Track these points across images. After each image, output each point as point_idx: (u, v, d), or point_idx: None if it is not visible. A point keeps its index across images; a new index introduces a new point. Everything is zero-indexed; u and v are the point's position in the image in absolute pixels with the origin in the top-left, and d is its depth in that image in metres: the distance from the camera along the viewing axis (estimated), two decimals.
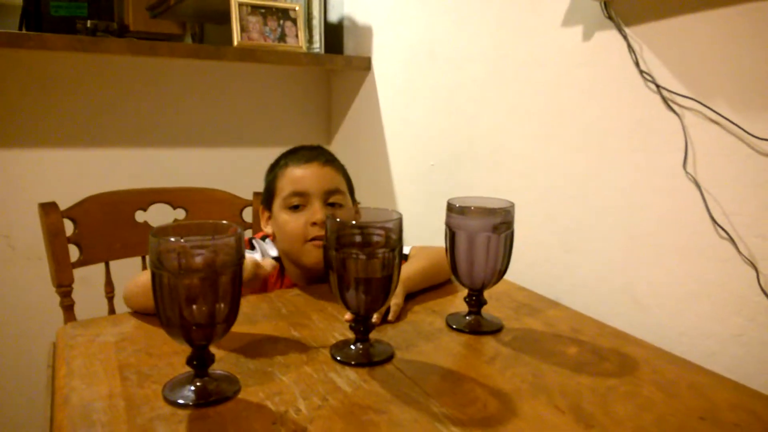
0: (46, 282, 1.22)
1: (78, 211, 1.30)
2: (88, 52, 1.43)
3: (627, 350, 0.85)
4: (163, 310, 0.65)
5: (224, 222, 0.70)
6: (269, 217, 1.14)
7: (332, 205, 1.08)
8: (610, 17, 0.99)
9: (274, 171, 1.14)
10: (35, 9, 2.96)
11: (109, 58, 1.60)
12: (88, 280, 1.31)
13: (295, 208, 1.07)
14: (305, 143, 1.93)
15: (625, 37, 0.97)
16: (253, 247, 1.15)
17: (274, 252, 1.16)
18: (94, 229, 1.31)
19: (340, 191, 1.10)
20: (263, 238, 1.18)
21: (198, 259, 0.64)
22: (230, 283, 0.66)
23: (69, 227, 1.27)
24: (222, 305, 0.66)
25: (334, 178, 1.10)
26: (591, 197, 1.08)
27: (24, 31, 1.35)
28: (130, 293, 0.94)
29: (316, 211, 1.05)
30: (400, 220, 0.77)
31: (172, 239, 0.67)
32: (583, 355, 0.83)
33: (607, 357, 0.83)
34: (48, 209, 1.29)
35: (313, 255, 1.06)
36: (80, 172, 1.64)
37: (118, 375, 0.73)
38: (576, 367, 0.79)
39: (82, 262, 1.28)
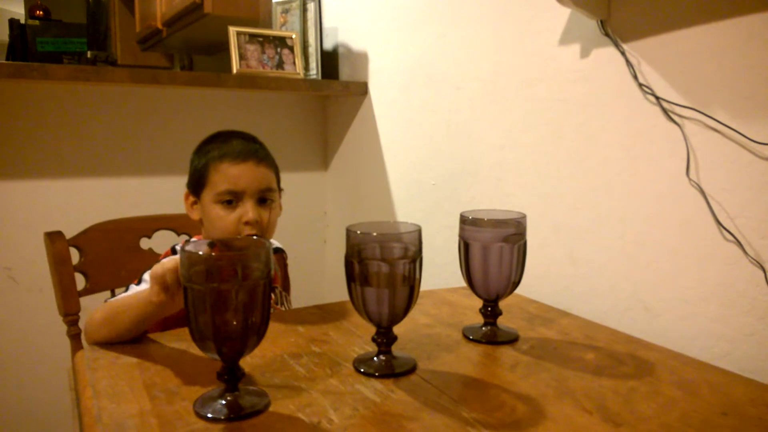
0: (48, 312, 1.21)
1: (83, 240, 1.30)
2: (91, 81, 1.44)
3: (642, 354, 0.87)
4: (195, 324, 0.66)
5: (253, 236, 0.71)
6: (194, 202, 1.14)
7: (264, 201, 1.10)
8: (607, 34, 1.03)
9: (206, 157, 1.11)
10: (22, 45, 2.98)
11: (109, 87, 1.61)
12: (94, 308, 1.30)
13: (227, 203, 1.08)
14: (303, 168, 1.95)
15: (622, 53, 1.01)
16: (174, 252, 1.15)
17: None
18: (99, 257, 1.31)
19: (272, 189, 1.12)
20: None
21: (228, 272, 0.65)
22: (261, 294, 0.67)
23: (74, 256, 1.27)
24: (254, 318, 0.66)
25: (267, 176, 1.11)
26: (596, 208, 1.10)
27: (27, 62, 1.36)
28: (92, 328, 0.93)
29: (248, 210, 1.06)
30: (419, 232, 0.78)
31: (202, 253, 0.68)
32: (601, 360, 0.85)
33: (624, 361, 0.84)
34: (54, 238, 1.29)
35: None
36: (81, 202, 1.64)
37: (145, 393, 0.73)
38: (596, 371, 0.80)
39: (88, 291, 1.28)
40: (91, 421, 0.67)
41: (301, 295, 1.60)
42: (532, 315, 1.05)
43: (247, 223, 1.06)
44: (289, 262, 1.83)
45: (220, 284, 0.64)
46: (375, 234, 0.78)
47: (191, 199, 1.15)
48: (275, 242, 1.22)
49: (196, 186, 1.13)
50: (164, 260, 0.83)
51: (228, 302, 0.65)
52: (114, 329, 0.91)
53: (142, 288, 1.03)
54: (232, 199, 1.07)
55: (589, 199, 1.11)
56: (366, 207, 1.86)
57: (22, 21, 3.06)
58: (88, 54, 1.56)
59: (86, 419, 0.68)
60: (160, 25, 2.46)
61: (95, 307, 0.99)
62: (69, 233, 1.27)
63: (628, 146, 1.03)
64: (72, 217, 1.56)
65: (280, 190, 1.18)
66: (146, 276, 1.09)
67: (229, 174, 1.08)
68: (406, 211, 1.67)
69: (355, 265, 0.76)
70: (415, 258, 0.77)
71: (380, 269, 0.76)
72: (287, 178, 2.00)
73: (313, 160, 2.02)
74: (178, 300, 0.82)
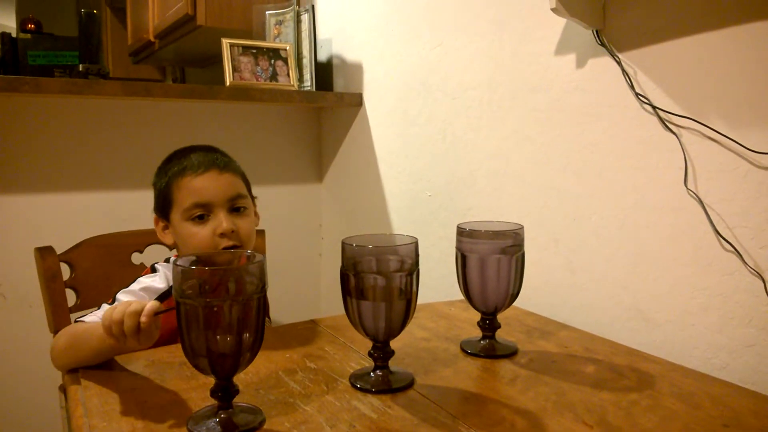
0: (39, 329, 1.19)
1: (74, 255, 1.28)
2: (83, 94, 1.43)
3: (642, 366, 0.86)
4: (188, 340, 0.64)
5: (247, 251, 0.70)
6: (165, 227, 1.10)
7: (236, 210, 1.06)
8: (602, 44, 1.03)
9: (167, 176, 1.07)
10: (13, 59, 2.97)
11: (100, 101, 1.60)
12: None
13: (198, 218, 1.03)
14: (298, 179, 1.94)
15: (618, 63, 1.01)
16: (155, 271, 1.11)
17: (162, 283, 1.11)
18: (90, 273, 1.29)
19: (242, 195, 1.07)
20: (168, 260, 1.14)
21: (222, 288, 0.64)
22: (255, 310, 0.65)
23: (65, 272, 1.25)
24: (247, 334, 0.65)
25: (234, 183, 1.06)
26: (593, 218, 1.10)
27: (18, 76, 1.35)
28: (55, 354, 0.92)
29: (221, 221, 1.02)
30: (415, 245, 0.77)
31: (195, 268, 0.67)
32: (601, 373, 0.83)
33: (625, 373, 0.83)
34: (44, 253, 1.27)
35: None
36: (73, 217, 1.62)
37: (137, 411, 0.71)
38: (596, 384, 0.79)
39: (78, 306, 1.26)
40: None
41: (296, 309, 1.59)
42: (530, 328, 1.04)
43: (222, 235, 1.01)
44: (285, 275, 1.82)
45: (212, 299, 0.63)
46: (371, 247, 0.77)
47: (161, 223, 1.10)
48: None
49: (163, 208, 1.08)
50: (116, 305, 0.79)
51: (221, 318, 0.63)
52: (74, 358, 0.88)
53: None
54: (202, 213, 1.02)
55: (587, 209, 1.11)
56: (362, 219, 1.85)
57: (14, 35, 3.05)
58: (80, 67, 1.55)
59: None
60: (152, 38, 2.47)
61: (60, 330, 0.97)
62: (60, 248, 1.25)
63: (626, 156, 1.03)
64: (63, 231, 1.53)
65: (253, 198, 1.14)
66: (120, 296, 1.06)
67: (192, 187, 1.03)
68: (402, 223, 1.66)
69: (350, 279, 0.75)
70: (411, 271, 0.76)
71: (376, 282, 0.75)
72: (281, 191, 2.01)
73: (307, 172, 2.01)
74: (130, 344, 0.78)
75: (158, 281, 1.09)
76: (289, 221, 1.99)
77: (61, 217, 1.60)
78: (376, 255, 0.76)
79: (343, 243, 0.77)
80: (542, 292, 1.19)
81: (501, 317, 0.94)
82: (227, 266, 0.71)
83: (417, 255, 0.77)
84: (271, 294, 1.25)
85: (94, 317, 0.99)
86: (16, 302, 1.55)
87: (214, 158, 1.07)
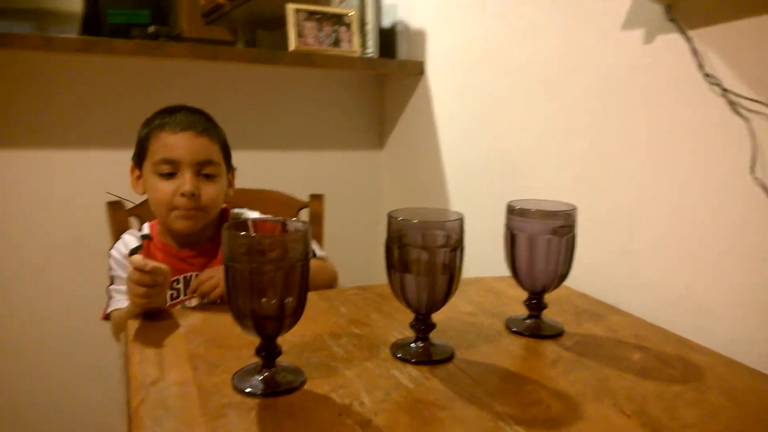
0: None
1: (142, 210, 1.36)
2: (153, 56, 1.48)
3: (691, 357, 0.83)
4: (235, 302, 0.67)
5: (293, 219, 0.72)
6: (139, 176, 1.14)
7: (207, 176, 1.08)
8: (672, 20, 0.98)
9: (149, 127, 1.11)
10: (94, 17, 3.10)
11: (165, 63, 1.65)
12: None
13: (166, 175, 1.07)
14: (358, 146, 1.95)
15: (688, 40, 0.95)
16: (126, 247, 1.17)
17: (136, 237, 1.18)
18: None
19: (213, 162, 1.09)
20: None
21: (268, 254, 0.66)
22: (299, 276, 0.67)
23: (134, 225, 1.33)
24: (291, 299, 0.67)
25: (208, 148, 1.09)
26: (653, 202, 1.06)
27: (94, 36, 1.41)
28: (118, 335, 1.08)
29: (185, 182, 1.05)
30: (461, 221, 0.77)
31: (243, 233, 0.69)
32: (648, 361, 0.82)
33: (672, 363, 0.81)
34: (114, 208, 1.35)
35: (180, 224, 1.08)
36: None
37: (188, 364, 0.75)
38: (640, 373, 0.78)
39: None
40: (136, 387, 0.70)
41: (349, 275, 1.61)
42: (580, 309, 1.02)
43: (183, 195, 1.05)
44: (341, 239, 1.84)
45: (258, 264, 0.65)
46: (416, 221, 0.77)
47: (136, 172, 1.14)
48: (256, 214, 1.22)
49: (139, 157, 1.12)
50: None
51: (265, 282, 0.66)
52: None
53: (121, 286, 1.09)
54: (170, 172, 1.06)
55: (646, 191, 1.07)
56: (420, 188, 1.85)
57: None
58: (151, 29, 1.60)
59: (132, 385, 0.71)
60: (222, 0, 2.50)
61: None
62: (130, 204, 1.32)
63: (689, 138, 0.98)
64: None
65: (230, 168, 1.17)
66: (113, 274, 1.14)
67: (166, 143, 1.07)
68: (458, 195, 1.65)
69: (394, 251, 0.76)
70: (456, 247, 0.76)
71: (420, 257, 0.75)
72: (342, 156, 2.02)
73: (368, 138, 2.02)
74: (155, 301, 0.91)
75: (122, 248, 1.16)
76: (349, 187, 2.01)
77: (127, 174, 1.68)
78: (421, 229, 0.77)
79: (389, 216, 0.77)
80: (597, 274, 1.16)
81: (551, 296, 0.92)
82: (273, 233, 0.74)
83: (462, 231, 0.77)
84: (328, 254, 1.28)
85: (119, 303, 1.09)
86: (95, 250, 1.64)
87: (195, 120, 1.10)
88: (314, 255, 1.08)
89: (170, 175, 1.06)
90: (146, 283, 0.88)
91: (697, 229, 0.98)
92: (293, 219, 0.94)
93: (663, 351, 0.85)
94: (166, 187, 1.06)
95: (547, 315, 0.94)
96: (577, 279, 1.10)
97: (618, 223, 1.13)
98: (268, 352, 0.70)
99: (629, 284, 1.11)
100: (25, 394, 1.66)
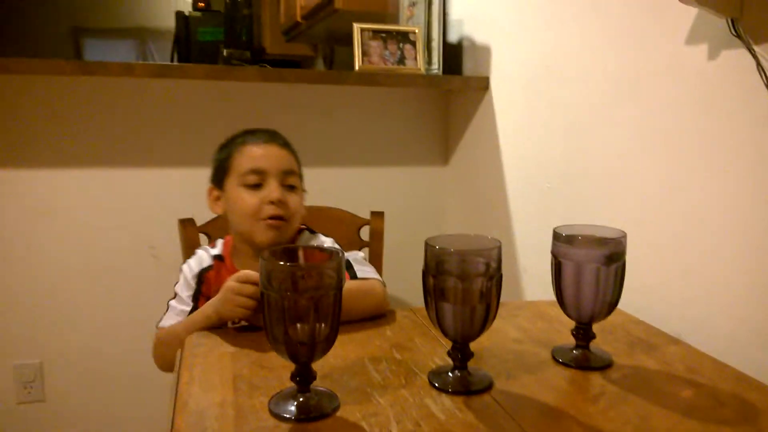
0: None
1: (212, 227, 1.43)
2: (224, 79, 1.56)
3: (750, 396, 0.78)
4: (270, 327, 0.70)
5: (327, 247, 0.74)
6: (218, 197, 1.16)
7: (290, 187, 1.12)
8: (738, 35, 0.92)
9: (228, 148, 1.15)
10: (185, 35, 3.28)
11: (240, 85, 1.73)
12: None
13: (252, 187, 1.09)
14: (423, 162, 1.95)
15: (754, 56, 0.89)
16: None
17: (209, 255, 1.20)
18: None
19: (296, 173, 1.14)
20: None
21: (302, 282, 0.68)
22: (331, 305, 0.69)
23: (203, 242, 1.40)
24: (323, 325, 0.69)
25: (290, 160, 1.14)
26: (714, 225, 1.00)
27: (169, 63, 1.51)
28: (155, 359, 1.13)
29: (273, 189, 1.08)
30: (499, 249, 0.76)
31: (281, 263, 0.72)
32: (699, 399, 0.77)
33: (726, 402, 0.76)
34: (186, 224, 1.42)
35: (266, 234, 1.09)
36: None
37: (231, 385, 0.79)
38: (688, 411, 0.74)
39: None
40: (180, 405, 0.74)
41: (408, 295, 1.61)
42: (635, 338, 0.98)
43: (271, 202, 1.08)
44: (401, 256, 1.85)
45: (293, 292, 0.67)
46: (453, 249, 0.77)
47: (215, 193, 1.18)
48: (329, 241, 1.23)
49: (220, 177, 1.16)
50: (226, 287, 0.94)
51: (299, 309, 0.68)
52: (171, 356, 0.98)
53: (178, 305, 1.16)
54: (257, 182, 1.10)
55: (708, 212, 1.01)
56: (483, 204, 1.83)
57: (186, 12, 3.36)
58: (225, 52, 1.68)
59: (178, 402, 0.75)
60: (299, 18, 2.59)
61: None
62: (200, 220, 1.39)
63: (752, 158, 0.92)
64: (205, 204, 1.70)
65: (302, 183, 1.20)
66: (177, 288, 1.18)
67: (252, 155, 1.12)
68: (521, 213, 1.62)
69: (430, 279, 0.76)
70: (493, 275, 0.76)
71: (456, 285, 0.75)
72: (406, 172, 2.03)
73: (433, 154, 2.02)
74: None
75: (194, 265, 1.19)
76: (413, 201, 2.02)
77: (201, 192, 1.77)
78: (458, 257, 0.76)
79: (426, 243, 0.77)
80: (655, 301, 1.11)
81: (605, 323, 0.89)
82: (309, 263, 0.76)
83: (500, 259, 0.76)
84: (386, 273, 1.28)
85: (170, 320, 1.15)
86: (168, 263, 1.74)
87: (276, 135, 1.17)
88: (356, 276, 1.09)
89: (256, 187, 1.11)
90: (251, 294, 0.92)
91: (761, 255, 0.92)
92: (335, 246, 0.95)
93: (718, 387, 0.80)
94: (252, 198, 1.10)
95: (599, 344, 0.91)
96: (635, 305, 1.05)
97: (679, 245, 1.08)
98: (302, 377, 0.72)
99: (690, 313, 1.05)
100: (79, 398, 1.77)
